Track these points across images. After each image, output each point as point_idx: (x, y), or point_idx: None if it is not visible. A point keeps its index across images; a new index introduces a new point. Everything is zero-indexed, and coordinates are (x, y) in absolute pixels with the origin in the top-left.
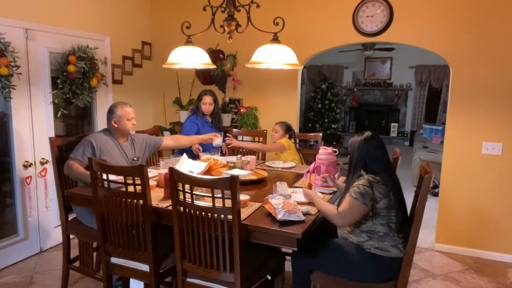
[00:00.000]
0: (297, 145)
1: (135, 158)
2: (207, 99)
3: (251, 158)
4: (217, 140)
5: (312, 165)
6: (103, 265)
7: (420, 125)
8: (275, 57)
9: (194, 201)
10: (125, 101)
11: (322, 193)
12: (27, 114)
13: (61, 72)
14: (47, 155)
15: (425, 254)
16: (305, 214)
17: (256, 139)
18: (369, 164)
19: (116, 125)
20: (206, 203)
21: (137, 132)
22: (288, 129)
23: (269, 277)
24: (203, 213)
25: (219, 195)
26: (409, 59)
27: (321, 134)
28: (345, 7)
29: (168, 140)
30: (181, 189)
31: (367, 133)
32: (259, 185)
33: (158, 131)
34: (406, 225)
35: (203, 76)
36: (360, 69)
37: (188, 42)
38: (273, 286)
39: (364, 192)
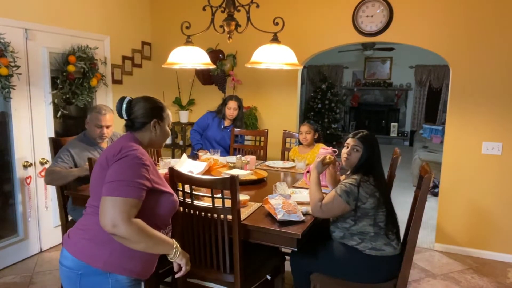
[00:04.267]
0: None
1: None
2: (232, 104)
3: (251, 158)
4: None
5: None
6: None
7: (420, 125)
8: (275, 57)
9: (194, 201)
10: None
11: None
12: (27, 114)
13: (60, 72)
14: (47, 155)
15: (425, 254)
16: (305, 214)
17: (258, 138)
18: (376, 161)
19: (87, 128)
20: (206, 203)
21: None
22: (316, 128)
23: (269, 277)
24: (203, 213)
25: (219, 195)
26: (409, 59)
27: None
28: (345, 7)
29: None
30: (181, 189)
31: (367, 133)
32: (259, 185)
33: None
34: (395, 223)
35: (203, 76)
36: (360, 69)
37: (188, 42)
38: (273, 286)
39: (349, 191)
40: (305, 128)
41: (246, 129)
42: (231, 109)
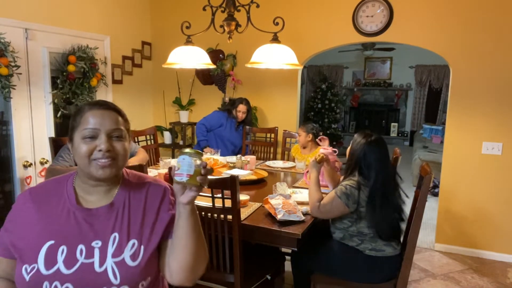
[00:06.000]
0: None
1: None
2: (242, 107)
3: (251, 158)
4: None
5: None
6: None
7: (420, 125)
8: (275, 57)
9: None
10: (125, 102)
11: (322, 193)
12: (27, 114)
13: (61, 72)
14: (47, 155)
15: (425, 254)
16: (305, 214)
17: (268, 135)
18: (364, 170)
19: None
20: (206, 203)
21: (136, 131)
22: (310, 128)
23: (269, 277)
24: (203, 213)
25: (219, 195)
26: (409, 59)
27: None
28: (345, 7)
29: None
30: None
31: (373, 137)
32: (259, 185)
33: (155, 131)
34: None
35: (203, 76)
36: (360, 69)
37: (188, 42)
38: (273, 286)
39: (349, 193)
40: (299, 130)
41: None
42: (241, 112)
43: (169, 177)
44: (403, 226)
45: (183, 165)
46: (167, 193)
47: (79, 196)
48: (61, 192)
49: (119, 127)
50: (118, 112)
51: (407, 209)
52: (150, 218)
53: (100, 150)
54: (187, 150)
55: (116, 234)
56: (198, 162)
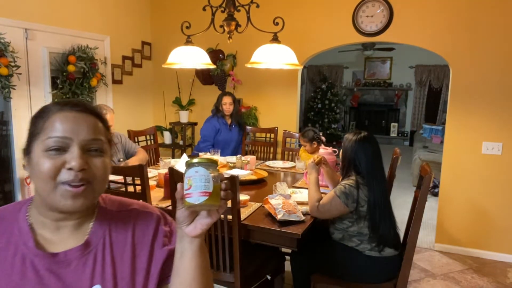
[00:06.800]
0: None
1: (121, 159)
2: (227, 99)
3: (251, 158)
4: None
5: None
6: None
7: (420, 125)
8: (275, 57)
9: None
10: (125, 102)
11: (322, 193)
12: (27, 114)
13: (61, 72)
14: None
15: (425, 254)
16: (305, 214)
17: (268, 135)
18: (359, 168)
19: None
20: None
21: (136, 131)
22: (311, 136)
23: (269, 277)
24: None
25: None
26: (409, 59)
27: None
28: (345, 7)
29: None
30: None
31: (362, 134)
32: (259, 185)
33: (155, 131)
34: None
35: (203, 76)
36: (360, 69)
37: (188, 42)
38: (273, 286)
39: (348, 193)
40: (301, 141)
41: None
42: (227, 104)
43: (169, 177)
44: (399, 231)
45: (195, 180)
46: (161, 223)
47: (38, 235)
48: (9, 231)
49: (98, 137)
50: (98, 116)
51: (406, 209)
52: (142, 259)
53: (70, 169)
54: (196, 159)
55: (98, 287)
56: (215, 174)
